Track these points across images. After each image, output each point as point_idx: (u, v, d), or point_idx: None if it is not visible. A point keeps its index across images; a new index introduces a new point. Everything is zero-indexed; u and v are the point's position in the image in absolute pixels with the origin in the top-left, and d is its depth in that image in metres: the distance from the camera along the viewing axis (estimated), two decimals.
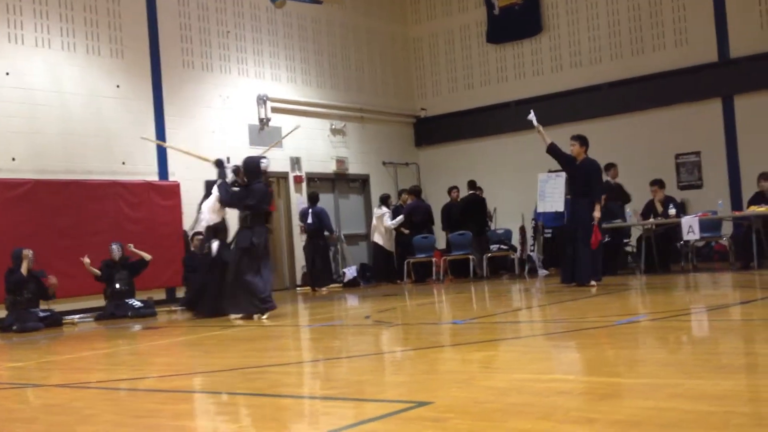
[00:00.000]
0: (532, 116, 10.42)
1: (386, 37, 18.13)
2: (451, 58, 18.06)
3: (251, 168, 9.54)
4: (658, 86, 15.14)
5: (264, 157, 9.80)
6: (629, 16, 15.71)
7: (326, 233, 14.58)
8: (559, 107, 15.80)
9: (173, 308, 12.01)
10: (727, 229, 13.24)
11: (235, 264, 9.35)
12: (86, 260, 11.18)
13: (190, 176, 13.60)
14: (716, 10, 14.74)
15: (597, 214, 9.91)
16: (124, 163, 12.87)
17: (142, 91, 13.28)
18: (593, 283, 9.94)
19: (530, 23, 16.81)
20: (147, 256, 11.61)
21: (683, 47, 15.12)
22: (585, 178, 10.03)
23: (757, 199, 11.99)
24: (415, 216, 15.33)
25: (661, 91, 15.09)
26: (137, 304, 11.22)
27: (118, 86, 12.95)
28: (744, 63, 14.37)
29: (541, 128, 10.34)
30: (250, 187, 9.46)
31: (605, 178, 13.15)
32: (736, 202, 14.10)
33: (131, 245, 11.60)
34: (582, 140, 10.22)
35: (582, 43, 16.28)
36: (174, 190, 13.35)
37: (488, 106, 17.09)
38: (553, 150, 10.31)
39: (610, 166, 13.29)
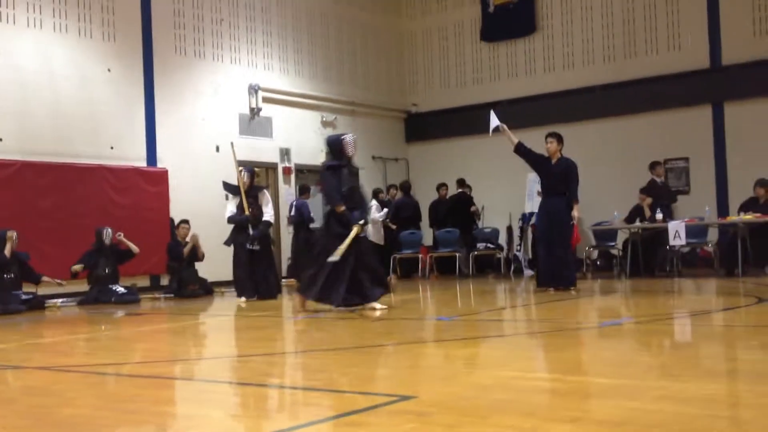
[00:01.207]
0: (493, 118, 10.06)
1: (380, 31, 18.08)
2: (444, 54, 18.03)
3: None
4: (649, 90, 15.16)
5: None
6: (623, 19, 15.72)
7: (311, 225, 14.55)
8: (550, 108, 15.82)
9: (157, 296, 11.96)
10: (713, 235, 13.31)
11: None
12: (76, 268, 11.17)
13: (179, 163, 13.55)
14: (710, 16, 14.78)
15: (576, 213, 9.71)
16: (112, 148, 12.77)
17: (133, 76, 13.17)
18: (573, 291, 9.57)
19: (524, 22, 16.79)
20: (135, 249, 11.55)
21: (676, 52, 15.16)
22: (562, 177, 9.74)
23: (750, 204, 12.06)
24: (402, 212, 15.33)
25: (652, 95, 15.11)
26: (121, 290, 11.16)
27: (109, 70, 12.84)
28: (735, 70, 14.41)
29: (505, 127, 9.92)
30: None
31: (651, 176, 13.09)
32: (722, 209, 14.17)
33: (121, 234, 11.52)
34: (559, 138, 9.92)
35: (575, 44, 16.29)
36: (162, 177, 13.27)
37: (480, 104, 17.06)
38: (522, 149, 9.97)
39: (656, 164, 13.21)
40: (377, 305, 8.20)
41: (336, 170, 8.53)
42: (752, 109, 14.22)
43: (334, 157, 8.66)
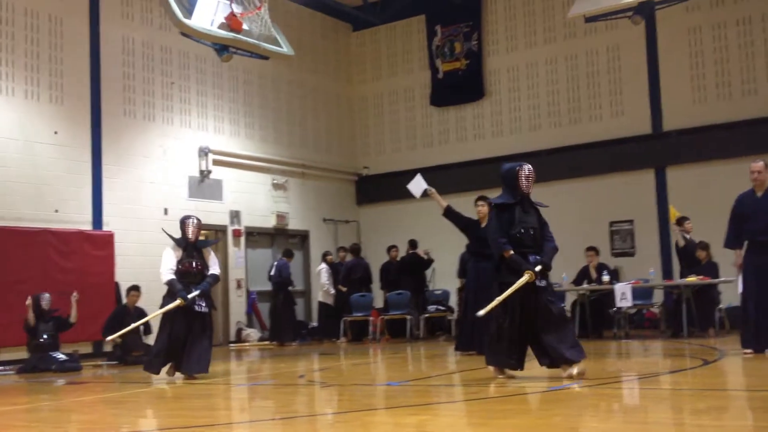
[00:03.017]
0: (419, 182, 10.21)
1: (331, 95, 18.28)
2: (394, 118, 18.28)
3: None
4: (594, 155, 15.55)
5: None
6: (568, 86, 16.18)
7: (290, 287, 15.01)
8: (498, 171, 16.04)
9: (100, 363, 11.62)
10: (659, 297, 13.52)
11: None
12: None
13: (125, 227, 13.34)
14: (651, 84, 15.31)
15: None
16: (56, 211, 12.54)
17: (80, 139, 13.04)
18: None
19: (473, 88, 17.17)
20: (73, 318, 11.17)
21: (619, 118, 15.62)
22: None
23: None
24: (353, 274, 15.32)
25: (597, 159, 15.50)
26: (62, 357, 10.82)
27: (56, 133, 12.70)
28: (676, 136, 14.91)
29: (433, 191, 10.26)
30: None
31: (680, 233, 12.19)
32: (666, 271, 14.43)
33: (75, 295, 11.17)
34: (490, 203, 9.99)
35: (522, 110, 16.67)
36: (108, 241, 13.04)
37: (430, 167, 17.23)
38: (451, 213, 10.14)
39: (682, 220, 12.43)
40: (576, 369, 6.83)
41: (504, 209, 7.30)
42: (693, 173, 14.64)
43: (506, 192, 7.42)
